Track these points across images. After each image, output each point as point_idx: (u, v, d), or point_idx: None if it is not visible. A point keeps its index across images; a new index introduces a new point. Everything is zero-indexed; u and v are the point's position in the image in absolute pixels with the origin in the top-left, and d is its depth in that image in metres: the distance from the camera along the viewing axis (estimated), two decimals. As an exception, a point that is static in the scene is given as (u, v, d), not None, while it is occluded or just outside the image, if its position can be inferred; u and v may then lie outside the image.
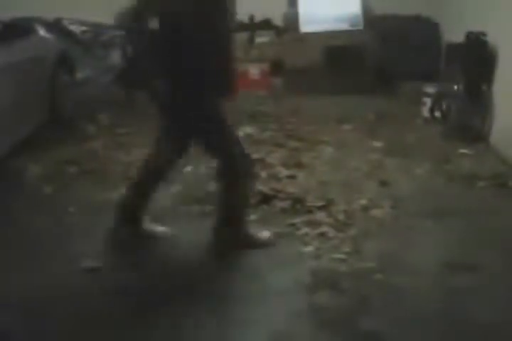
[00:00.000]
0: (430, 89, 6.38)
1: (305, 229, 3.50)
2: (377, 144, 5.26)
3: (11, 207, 3.87)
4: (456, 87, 5.63)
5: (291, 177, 4.37)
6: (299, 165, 4.63)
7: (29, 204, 3.95)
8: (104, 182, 4.31)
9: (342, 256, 3.18)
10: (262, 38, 8.25)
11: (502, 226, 3.59)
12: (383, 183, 4.29)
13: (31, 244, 3.37)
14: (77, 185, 4.29)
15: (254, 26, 8.34)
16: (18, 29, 5.56)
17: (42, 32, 5.96)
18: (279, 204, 3.85)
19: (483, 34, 5.37)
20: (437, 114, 6.14)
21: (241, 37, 8.18)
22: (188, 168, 4.45)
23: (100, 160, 4.81)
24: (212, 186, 3.57)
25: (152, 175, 3.32)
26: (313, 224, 3.57)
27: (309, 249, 3.28)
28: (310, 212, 3.74)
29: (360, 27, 7.82)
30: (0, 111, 4.30)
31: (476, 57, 5.38)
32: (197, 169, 4.47)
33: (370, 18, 7.80)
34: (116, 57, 7.68)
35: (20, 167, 4.56)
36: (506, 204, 3.94)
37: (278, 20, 8.32)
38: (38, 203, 3.97)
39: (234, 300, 2.84)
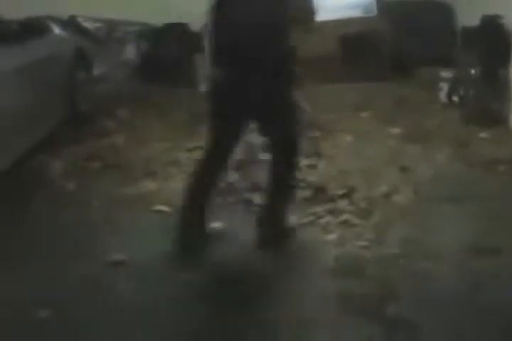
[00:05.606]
0: (447, 74, 6.36)
1: (328, 218, 3.52)
2: (396, 131, 5.25)
3: (34, 204, 3.91)
4: (473, 71, 5.60)
5: (312, 166, 4.38)
6: (319, 154, 4.65)
7: (53, 200, 3.98)
8: (126, 176, 4.35)
9: (365, 243, 3.20)
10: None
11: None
12: (403, 169, 4.29)
13: (56, 239, 3.41)
14: (100, 180, 4.32)
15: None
16: (33, 28, 5.58)
17: (57, 30, 6.00)
18: (301, 193, 3.85)
19: (499, 17, 5.33)
20: (455, 98, 6.11)
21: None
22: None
23: (121, 155, 4.83)
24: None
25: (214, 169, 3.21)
26: (335, 212, 3.59)
27: (333, 236, 3.30)
28: (332, 200, 3.76)
29: (374, 13, 7.79)
30: (20, 110, 4.34)
31: (492, 40, 5.34)
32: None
33: (383, 4, 7.76)
34: (131, 52, 7.73)
35: (42, 164, 4.59)
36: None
37: (291, 10, 8.30)
38: (61, 199, 4.01)
39: (258, 288, 2.87)
